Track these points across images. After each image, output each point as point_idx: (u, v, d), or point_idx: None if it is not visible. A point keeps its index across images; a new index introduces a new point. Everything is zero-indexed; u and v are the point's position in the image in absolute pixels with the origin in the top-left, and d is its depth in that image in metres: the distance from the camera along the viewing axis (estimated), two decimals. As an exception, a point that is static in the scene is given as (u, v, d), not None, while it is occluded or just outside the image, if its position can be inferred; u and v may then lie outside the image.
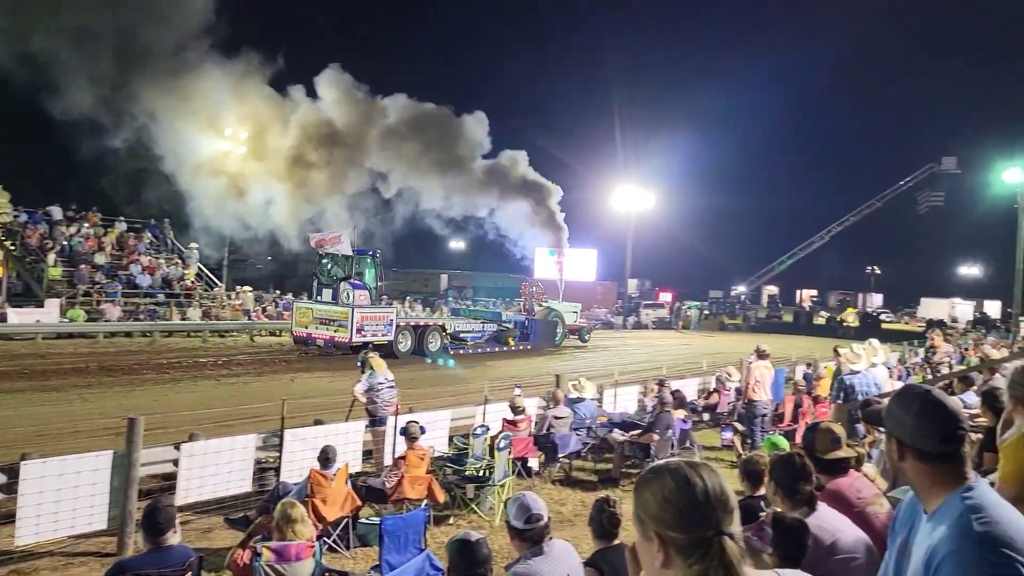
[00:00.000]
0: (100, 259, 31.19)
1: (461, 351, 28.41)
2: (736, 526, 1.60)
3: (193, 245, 35.63)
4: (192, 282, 33.72)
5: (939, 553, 1.95)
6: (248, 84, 34.09)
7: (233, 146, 35.80)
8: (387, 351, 23.86)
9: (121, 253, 32.71)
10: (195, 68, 32.35)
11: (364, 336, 24.61)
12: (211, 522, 8.35)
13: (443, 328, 28.34)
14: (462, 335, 30.00)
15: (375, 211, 36.86)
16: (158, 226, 35.85)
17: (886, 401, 2.38)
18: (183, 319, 29.98)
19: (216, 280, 36.60)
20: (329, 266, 26.49)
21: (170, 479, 8.48)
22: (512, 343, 31.05)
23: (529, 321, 32.58)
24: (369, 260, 27.12)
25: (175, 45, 31.83)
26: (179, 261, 34.69)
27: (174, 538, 4.77)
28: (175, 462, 8.36)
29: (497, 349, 30.25)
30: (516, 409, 10.83)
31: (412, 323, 27.56)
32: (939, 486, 2.10)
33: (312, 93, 35.18)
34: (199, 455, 8.27)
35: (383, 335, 25.41)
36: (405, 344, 26.33)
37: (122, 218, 34.66)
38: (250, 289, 35.88)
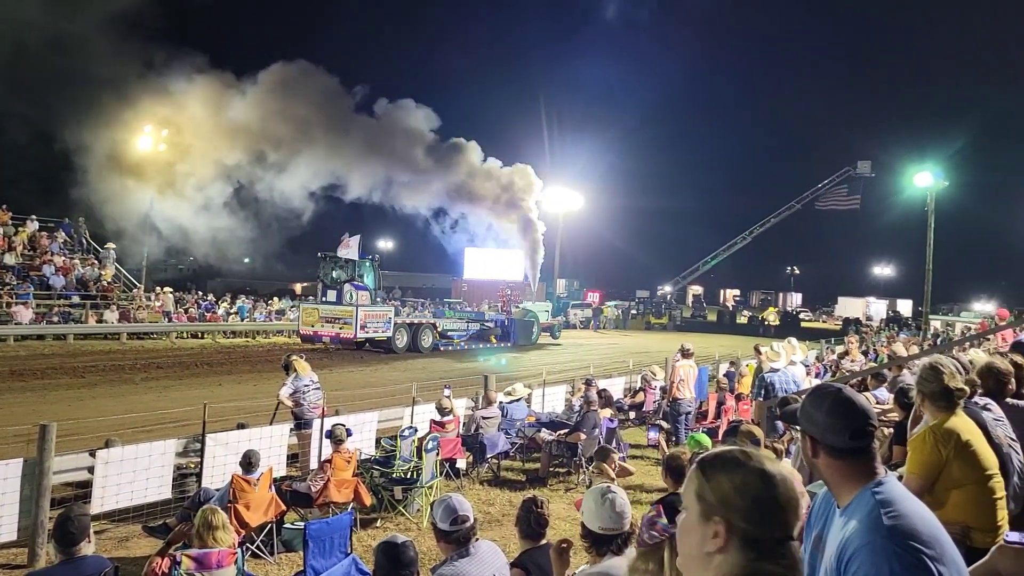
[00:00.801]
0: (10, 259, 29.87)
1: (449, 347, 31.24)
2: (798, 530, 1.60)
3: (110, 245, 34.47)
4: (109, 283, 32.56)
5: (851, 546, 2.02)
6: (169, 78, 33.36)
7: (154, 143, 34.87)
8: (386, 347, 28.32)
9: (33, 253, 31.40)
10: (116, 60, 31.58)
11: (367, 332, 27.59)
12: (129, 531, 8.09)
13: (434, 326, 31.35)
14: (450, 333, 32.91)
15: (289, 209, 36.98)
16: (72, 225, 34.53)
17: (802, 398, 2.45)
18: (99, 321, 28.97)
19: (134, 281, 35.47)
20: (332, 269, 28.81)
21: (85, 487, 8.19)
22: (494, 340, 34.22)
23: (508, 320, 35.59)
24: (369, 264, 29.54)
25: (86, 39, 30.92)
26: (95, 261, 33.48)
27: (88, 548, 4.61)
28: (90, 469, 8.08)
29: (481, 345, 33.02)
30: (443, 410, 10.81)
31: (407, 321, 30.49)
32: (850, 481, 2.18)
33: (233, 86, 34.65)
34: (116, 462, 8.01)
35: (383, 332, 28.23)
36: (402, 340, 29.00)
37: (33, 216, 33.24)
38: (171, 290, 34.88)
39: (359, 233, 28.50)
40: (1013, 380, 4.58)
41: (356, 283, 28.31)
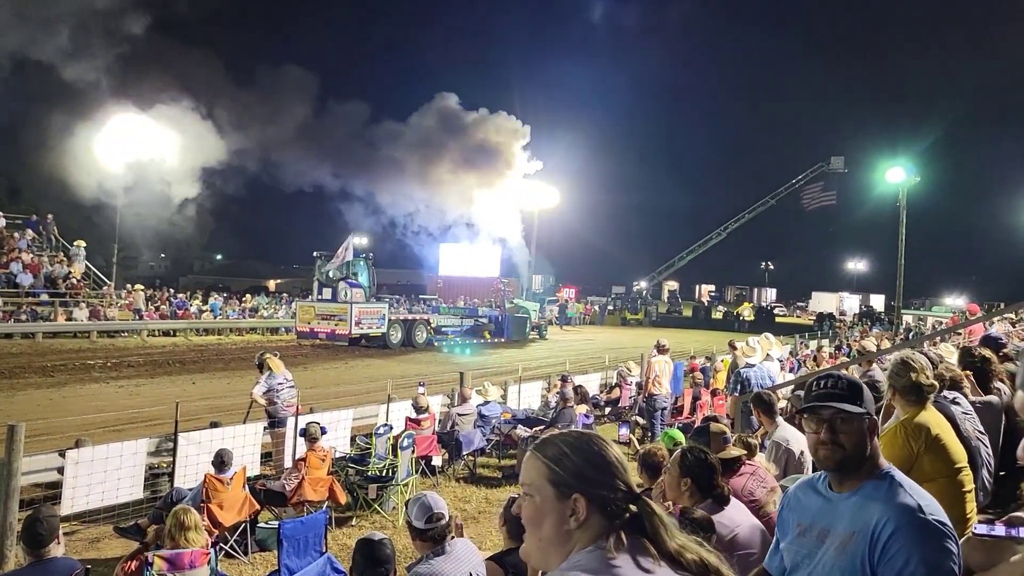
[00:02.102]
0: (-24, 257, 29.36)
1: (444, 343, 31.58)
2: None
3: (79, 242, 33.98)
4: (78, 280, 32.07)
5: (886, 528, 2.10)
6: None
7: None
8: (381, 342, 28.92)
9: (0, 250, 30.85)
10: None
11: (362, 328, 28.31)
12: (100, 532, 7.99)
13: (428, 322, 31.97)
14: (444, 329, 33.28)
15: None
16: (40, 222, 33.97)
17: (783, 392, 2.47)
18: (69, 319, 28.55)
19: (105, 278, 35.01)
20: (327, 269, 29.41)
21: (55, 488, 8.07)
22: (488, 336, 34.69)
23: (502, 316, 36.29)
24: (363, 262, 30.24)
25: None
26: (64, 258, 32.95)
27: (57, 550, 4.54)
28: (60, 470, 7.97)
29: (475, 341, 33.28)
30: (419, 408, 10.77)
31: (402, 317, 30.95)
32: (870, 462, 2.29)
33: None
34: (86, 462, 7.89)
35: (377, 328, 28.95)
36: (396, 336, 29.77)
37: (0, 213, 32.65)
38: (141, 287, 34.46)
39: (350, 234, 29.24)
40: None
41: (350, 281, 29.16)
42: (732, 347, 12.22)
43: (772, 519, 4.00)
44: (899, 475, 2.24)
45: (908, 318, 50.27)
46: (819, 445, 2.32)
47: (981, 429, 4.15)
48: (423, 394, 11.03)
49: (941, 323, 34.72)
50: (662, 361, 12.75)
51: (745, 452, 4.62)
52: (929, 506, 2.12)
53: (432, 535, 4.10)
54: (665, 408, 12.69)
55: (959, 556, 2.05)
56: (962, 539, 2.79)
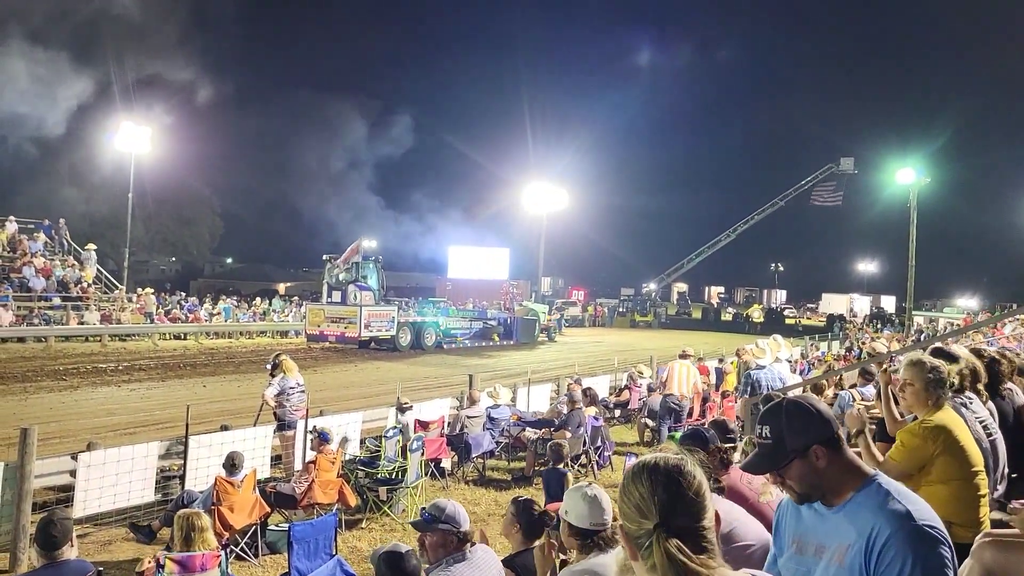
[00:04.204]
0: (-11, 261, 29.58)
1: (452, 345, 31.85)
2: (697, 520, 1.67)
3: (91, 246, 34.17)
4: (90, 284, 32.26)
5: (879, 537, 2.07)
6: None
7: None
8: (390, 345, 29.03)
9: (13, 255, 31.05)
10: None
11: (371, 331, 28.49)
12: (112, 534, 8.03)
13: (437, 325, 31.91)
14: (453, 331, 33.21)
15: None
16: (53, 226, 34.18)
17: (791, 394, 2.47)
18: (81, 323, 28.71)
19: (116, 282, 35.19)
20: (338, 272, 29.58)
21: (67, 491, 8.12)
22: (496, 339, 34.77)
23: (511, 319, 36.37)
24: (372, 265, 30.58)
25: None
26: (75, 263, 33.15)
27: (71, 552, 4.57)
28: (72, 473, 8.01)
29: (484, 344, 33.52)
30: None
31: (411, 320, 31.03)
32: (849, 475, 2.24)
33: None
34: (98, 465, 7.93)
35: (387, 330, 29.11)
36: (406, 339, 29.79)
37: (12, 218, 32.86)
38: (152, 291, 34.61)
39: (360, 236, 29.25)
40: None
41: (360, 284, 29.29)
42: (739, 356, 12.19)
43: (769, 506, 4.02)
44: (886, 481, 2.21)
45: (919, 319, 50.05)
46: (778, 486, 2.34)
47: (993, 428, 4.13)
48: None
49: (952, 324, 34.54)
50: (684, 365, 12.75)
51: (732, 446, 4.62)
52: (919, 511, 2.09)
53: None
54: (678, 411, 12.55)
55: (953, 560, 2.04)
56: (977, 539, 2.79)
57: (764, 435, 2.26)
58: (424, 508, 4.11)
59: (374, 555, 4.00)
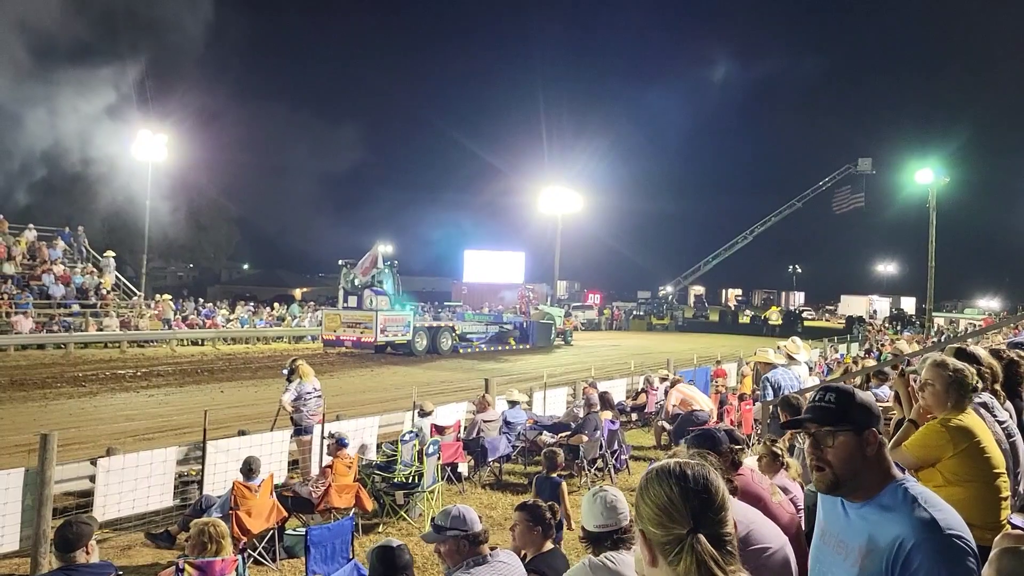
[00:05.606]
0: (9, 269, 29.81)
1: (468, 349, 31.71)
2: (723, 526, 1.64)
3: (109, 253, 34.46)
4: (109, 291, 32.53)
5: (905, 543, 2.04)
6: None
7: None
8: (407, 349, 29.04)
9: (33, 262, 31.36)
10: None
11: (387, 336, 28.49)
12: (131, 539, 8.08)
13: (453, 329, 32.12)
14: (469, 336, 33.40)
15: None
16: (72, 234, 34.50)
17: (808, 395, 2.46)
18: (100, 330, 28.95)
19: (134, 288, 35.46)
20: (353, 276, 29.76)
21: (87, 496, 8.18)
22: (512, 343, 34.34)
23: (527, 323, 36.06)
24: (387, 270, 30.39)
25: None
26: (94, 270, 33.43)
27: (88, 556, 4.60)
28: (92, 478, 8.06)
29: (500, 348, 33.30)
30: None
31: (427, 324, 31.35)
32: (878, 473, 2.23)
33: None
34: (117, 470, 7.98)
35: (403, 335, 29.11)
36: (422, 343, 29.82)
37: (32, 225, 33.16)
38: (170, 297, 34.86)
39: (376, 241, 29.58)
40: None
41: (376, 288, 29.43)
42: (751, 367, 12.18)
43: (781, 507, 4.04)
44: (914, 485, 2.18)
45: (940, 320, 49.64)
46: (811, 467, 2.29)
47: (1013, 430, 4.08)
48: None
49: (974, 325, 34.23)
50: (685, 386, 13.03)
51: (739, 447, 4.60)
52: (947, 520, 2.06)
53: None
54: (706, 422, 12.39)
55: (978, 570, 2.01)
56: (997, 537, 2.75)
57: (828, 400, 2.25)
58: (433, 518, 4.14)
59: (369, 552, 4.06)
